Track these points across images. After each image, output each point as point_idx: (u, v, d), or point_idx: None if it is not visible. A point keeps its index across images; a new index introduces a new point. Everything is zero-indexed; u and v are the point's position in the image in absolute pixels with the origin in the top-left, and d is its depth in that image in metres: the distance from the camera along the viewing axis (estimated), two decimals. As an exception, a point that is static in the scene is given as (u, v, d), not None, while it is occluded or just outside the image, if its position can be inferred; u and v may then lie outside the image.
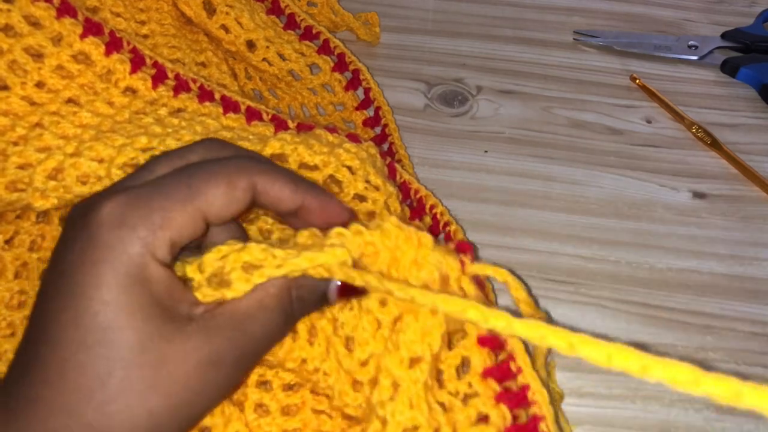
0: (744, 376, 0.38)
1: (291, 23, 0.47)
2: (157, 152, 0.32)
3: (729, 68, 0.53)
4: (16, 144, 0.32)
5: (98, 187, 0.32)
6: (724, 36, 0.55)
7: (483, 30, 0.55)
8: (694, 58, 0.54)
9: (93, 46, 0.35)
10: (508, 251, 0.42)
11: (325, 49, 0.46)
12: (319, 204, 0.29)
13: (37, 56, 0.34)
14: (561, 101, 0.51)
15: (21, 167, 0.32)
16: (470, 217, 0.43)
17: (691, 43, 0.54)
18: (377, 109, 0.46)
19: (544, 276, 0.41)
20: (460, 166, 0.46)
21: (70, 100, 0.34)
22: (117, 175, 0.32)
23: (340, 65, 0.46)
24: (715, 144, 0.48)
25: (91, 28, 0.36)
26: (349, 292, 0.28)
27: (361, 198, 0.34)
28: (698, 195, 0.46)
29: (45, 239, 0.36)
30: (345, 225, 0.27)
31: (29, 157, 0.32)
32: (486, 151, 0.47)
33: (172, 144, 0.32)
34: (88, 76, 0.35)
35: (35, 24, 0.34)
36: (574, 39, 0.55)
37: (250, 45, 0.44)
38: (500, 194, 0.45)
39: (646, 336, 0.39)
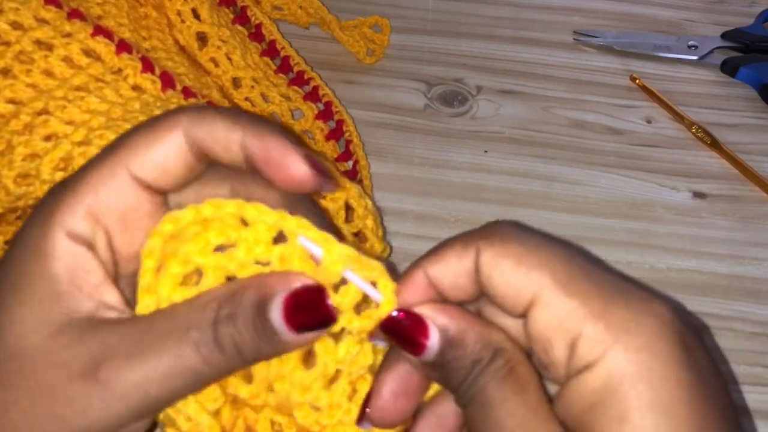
0: (744, 376, 0.39)
1: (284, 66, 0.48)
2: None
3: (729, 68, 0.53)
4: (21, 134, 0.31)
5: None
6: (724, 36, 0.55)
7: (483, 30, 0.55)
8: (694, 58, 0.54)
9: (103, 45, 0.35)
10: (509, 251, 0.42)
11: (313, 95, 0.47)
12: (262, 146, 0.23)
13: (46, 47, 0.34)
14: (561, 101, 0.50)
15: (28, 158, 0.31)
16: (470, 217, 0.43)
17: (691, 43, 0.54)
18: (355, 162, 0.45)
19: (545, 276, 0.41)
20: (460, 166, 0.46)
21: (78, 88, 0.34)
22: None
23: (326, 113, 0.46)
24: (715, 144, 0.48)
25: (102, 30, 0.36)
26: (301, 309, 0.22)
27: None
28: (698, 195, 0.46)
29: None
30: (309, 189, 0.23)
31: (36, 146, 0.31)
32: (486, 151, 0.47)
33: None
34: (98, 68, 0.35)
35: (44, 21, 0.34)
36: (574, 39, 0.55)
37: (236, 82, 0.45)
38: (500, 194, 0.45)
39: (646, 336, 0.39)
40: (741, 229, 0.44)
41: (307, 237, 0.23)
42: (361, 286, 0.23)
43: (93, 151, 0.31)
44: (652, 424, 0.19)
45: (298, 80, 0.47)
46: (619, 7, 0.58)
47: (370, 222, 0.37)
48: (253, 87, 0.45)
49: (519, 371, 0.22)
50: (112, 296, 0.23)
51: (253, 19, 0.48)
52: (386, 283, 0.23)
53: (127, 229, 0.23)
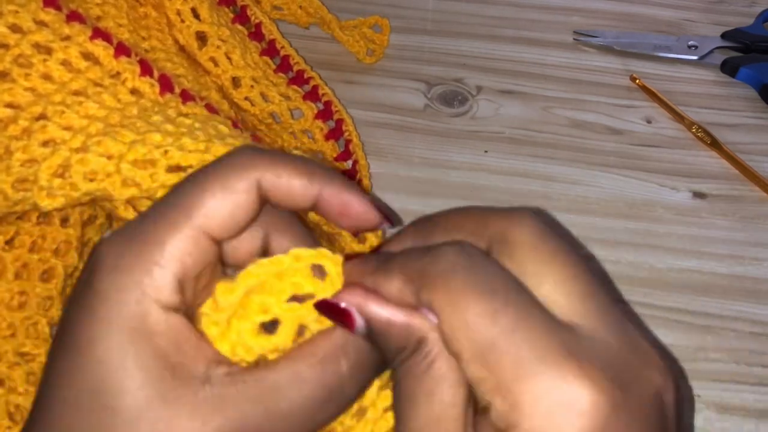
0: (744, 376, 0.39)
1: (284, 66, 0.47)
2: (171, 149, 0.31)
3: (729, 68, 0.53)
4: (19, 139, 0.31)
5: (106, 185, 0.31)
6: (724, 36, 0.55)
7: (483, 30, 0.55)
8: (694, 58, 0.54)
9: (101, 48, 0.35)
10: (509, 251, 0.42)
11: (312, 95, 0.46)
12: (339, 200, 0.24)
13: (45, 50, 0.34)
14: (561, 101, 0.51)
15: (26, 164, 0.31)
16: (470, 217, 0.43)
17: (691, 43, 0.54)
18: (354, 162, 0.45)
19: (544, 276, 0.41)
20: (460, 166, 0.46)
21: (76, 92, 0.33)
22: (127, 169, 0.31)
23: (325, 113, 0.46)
24: (715, 144, 0.48)
25: (100, 33, 0.36)
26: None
27: None
28: (698, 195, 0.46)
29: (45, 240, 0.36)
30: (372, 228, 0.25)
31: (33, 152, 0.31)
32: (486, 151, 0.47)
33: (187, 143, 0.31)
34: (96, 72, 0.35)
35: (43, 24, 0.34)
36: (574, 39, 0.55)
37: (236, 82, 0.44)
38: (500, 194, 0.45)
39: (646, 336, 0.39)
40: (741, 229, 0.44)
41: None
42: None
43: (90, 157, 0.31)
44: None
45: (298, 79, 0.47)
46: (619, 7, 0.58)
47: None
48: (252, 86, 0.45)
49: (435, 368, 0.21)
50: (209, 350, 0.22)
51: (252, 18, 0.48)
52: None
53: (198, 284, 0.23)
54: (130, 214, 0.32)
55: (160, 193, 0.30)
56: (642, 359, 0.21)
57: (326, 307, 0.23)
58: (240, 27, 0.47)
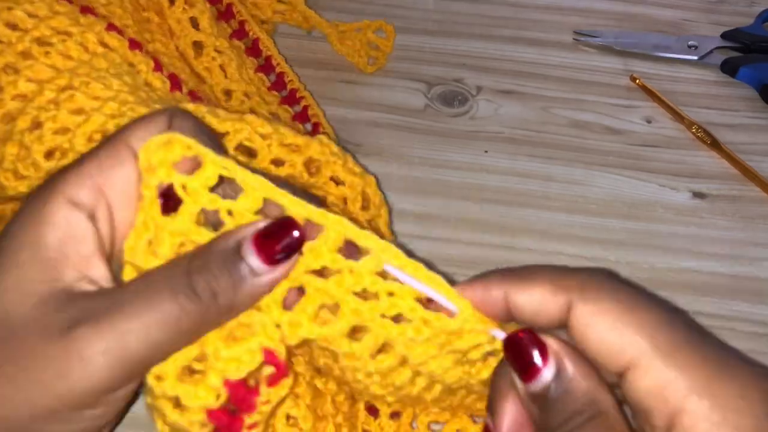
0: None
1: (279, 83, 0.47)
2: (207, 115, 0.32)
3: (729, 68, 0.53)
4: (47, 109, 0.31)
5: None
6: (724, 36, 0.55)
7: (483, 30, 0.55)
8: (694, 58, 0.54)
9: (116, 39, 0.35)
10: (509, 251, 0.42)
11: (302, 116, 0.46)
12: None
13: (64, 33, 0.34)
14: (561, 101, 0.50)
15: (58, 132, 0.31)
16: (471, 217, 0.43)
17: (691, 43, 0.54)
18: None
19: (544, 276, 0.41)
20: (460, 166, 0.46)
21: (98, 69, 0.34)
22: None
23: (312, 134, 0.46)
24: (715, 144, 0.48)
25: (114, 27, 0.36)
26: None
27: (278, 162, 0.34)
28: (698, 195, 0.46)
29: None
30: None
31: (65, 120, 0.31)
32: (486, 151, 0.47)
33: (212, 122, 0.32)
34: (114, 58, 0.35)
35: (59, 13, 0.35)
36: (574, 39, 0.55)
37: (227, 94, 0.44)
38: (500, 194, 0.45)
39: (646, 336, 0.39)
40: (741, 229, 0.44)
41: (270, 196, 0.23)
42: (441, 300, 0.24)
43: (126, 122, 0.31)
44: None
45: (290, 98, 0.47)
46: (619, 7, 0.58)
47: (384, 212, 0.37)
48: (243, 101, 0.44)
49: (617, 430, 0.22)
50: (98, 270, 0.23)
51: (251, 33, 0.48)
52: (461, 300, 0.24)
53: (129, 207, 0.24)
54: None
55: None
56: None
57: (521, 342, 0.23)
58: (238, 42, 0.47)
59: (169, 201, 0.23)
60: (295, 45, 0.51)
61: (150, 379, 0.23)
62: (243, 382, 0.23)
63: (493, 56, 0.53)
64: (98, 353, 0.21)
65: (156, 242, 0.23)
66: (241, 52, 0.47)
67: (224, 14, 0.48)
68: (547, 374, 0.22)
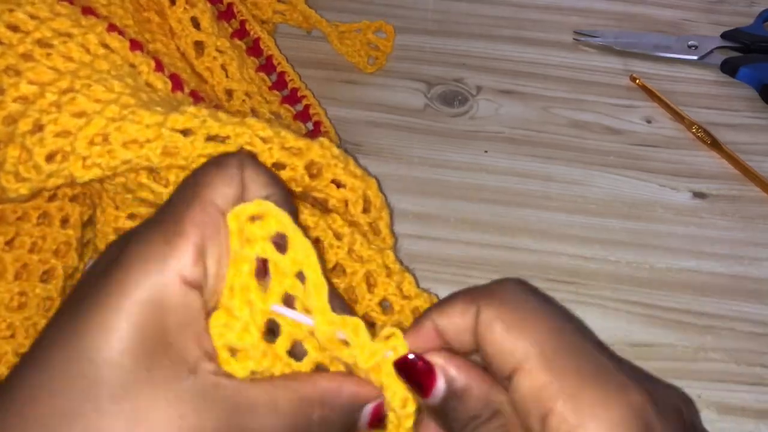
0: (744, 376, 0.39)
1: (280, 83, 0.47)
2: (209, 120, 0.32)
3: (729, 68, 0.53)
4: (49, 112, 0.31)
5: (146, 151, 0.31)
6: (724, 36, 0.55)
7: (483, 30, 0.55)
8: (694, 58, 0.54)
9: (117, 41, 0.35)
10: (508, 251, 0.42)
11: (303, 115, 0.46)
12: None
13: (65, 34, 0.34)
14: (561, 101, 0.50)
15: (59, 135, 0.31)
16: (470, 217, 0.43)
17: (691, 43, 0.54)
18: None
19: (544, 276, 0.41)
20: (460, 166, 0.46)
21: (99, 71, 0.34)
22: (169, 135, 0.31)
23: (313, 134, 0.46)
24: (715, 144, 0.48)
25: (116, 28, 0.36)
26: (381, 420, 0.24)
27: (279, 166, 0.34)
28: (698, 195, 0.46)
29: (46, 241, 0.36)
30: None
31: (66, 123, 0.31)
32: (486, 151, 0.47)
33: (213, 125, 0.32)
34: (116, 59, 0.35)
35: (60, 14, 0.35)
36: (574, 39, 0.55)
37: (229, 94, 0.44)
38: (500, 194, 0.45)
39: (646, 336, 0.39)
40: (741, 229, 0.44)
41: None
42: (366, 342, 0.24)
43: (128, 125, 0.31)
44: None
45: (291, 98, 0.47)
46: (619, 7, 0.58)
47: (385, 215, 0.37)
48: (244, 101, 0.44)
49: None
50: (209, 342, 0.22)
51: (251, 33, 0.48)
52: (396, 334, 0.24)
53: (220, 271, 0.23)
54: (153, 185, 0.32)
55: (196, 164, 0.31)
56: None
57: (408, 365, 0.24)
58: (238, 42, 0.47)
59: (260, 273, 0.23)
60: (295, 45, 0.51)
61: None
62: None
63: (493, 56, 0.53)
64: None
65: (250, 325, 0.23)
66: (242, 52, 0.47)
67: (225, 14, 0.48)
68: (439, 388, 0.23)
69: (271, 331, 0.24)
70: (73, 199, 0.37)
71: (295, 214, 0.25)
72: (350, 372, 0.24)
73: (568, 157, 0.47)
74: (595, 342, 0.24)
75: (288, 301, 0.24)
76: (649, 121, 0.50)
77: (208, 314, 0.22)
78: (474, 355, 0.25)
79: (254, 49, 0.48)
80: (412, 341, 0.24)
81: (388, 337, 0.24)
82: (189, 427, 0.20)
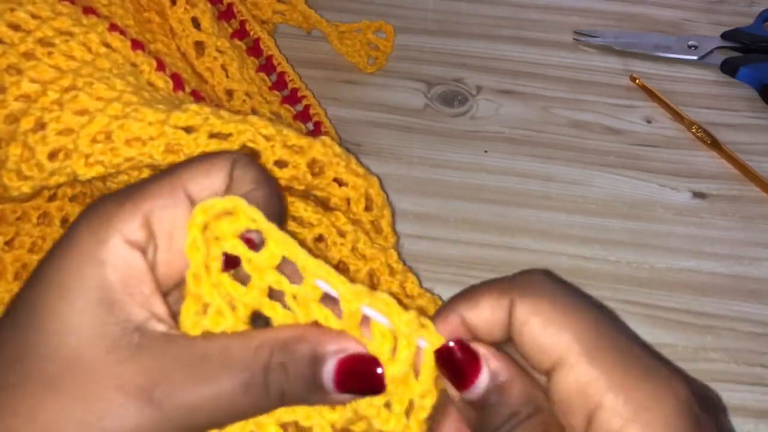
0: (744, 376, 0.39)
1: (280, 83, 0.47)
2: (211, 117, 0.32)
3: (729, 68, 0.53)
4: (51, 110, 0.31)
5: (149, 149, 0.31)
6: (724, 36, 0.55)
7: (483, 30, 0.55)
8: (694, 58, 0.54)
9: (119, 40, 0.35)
10: (508, 251, 0.42)
11: (304, 115, 0.46)
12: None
13: (66, 33, 0.34)
14: (561, 101, 0.50)
15: (62, 133, 0.31)
16: (470, 217, 0.43)
17: (691, 43, 0.54)
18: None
19: (544, 276, 0.41)
20: (460, 166, 0.46)
21: (101, 69, 0.34)
22: (172, 132, 0.31)
23: (314, 134, 0.46)
24: (715, 144, 0.48)
25: (117, 27, 0.36)
26: (351, 376, 0.23)
27: (282, 164, 0.34)
28: (698, 195, 0.46)
29: (45, 241, 0.36)
30: None
31: (69, 121, 0.31)
32: (486, 151, 0.47)
33: (216, 123, 0.32)
34: (117, 58, 0.35)
35: (62, 14, 0.35)
36: (574, 39, 0.55)
37: (229, 94, 0.44)
38: (500, 194, 0.45)
39: (646, 336, 0.39)
40: (741, 229, 0.44)
41: (326, 282, 0.23)
42: (385, 323, 0.23)
43: (131, 123, 0.31)
44: None
45: (291, 98, 0.47)
46: (619, 7, 0.58)
47: (387, 213, 0.37)
48: (245, 101, 0.44)
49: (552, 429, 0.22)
50: (160, 308, 0.23)
51: (251, 33, 0.48)
52: (424, 321, 0.24)
53: (171, 247, 0.24)
54: None
55: None
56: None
57: (452, 353, 0.23)
58: (238, 42, 0.47)
59: (229, 265, 0.23)
60: (295, 45, 0.51)
61: None
62: None
63: (493, 56, 0.53)
64: (168, 419, 0.21)
65: (224, 308, 0.23)
66: (242, 52, 0.47)
67: (225, 14, 0.48)
68: (483, 380, 0.23)
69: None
70: (73, 199, 0.37)
71: (282, 214, 0.25)
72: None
73: (568, 157, 0.47)
74: (632, 335, 0.23)
75: (274, 296, 0.24)
76: (649, 121, 0.50)
77: (156, 282, 0.23)
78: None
79: (254, 49, 0.48)
80: (439, 332, 0.24)
81: (422, 326, 0.23)
82: (131, 377, 0.21)
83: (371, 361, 0.23)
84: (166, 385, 0.21)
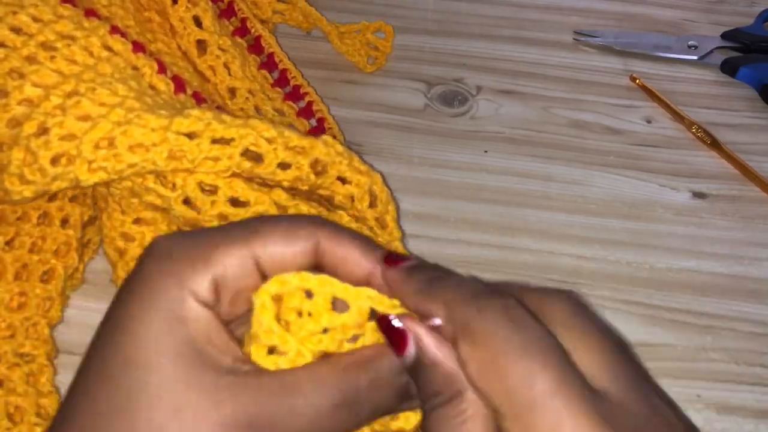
0: (744, 376, 0.39)
1: (282, 80, 0.47)
2: (213, 123, 0.32)
3: (729, 68, 0.53)
4: (54, 115, 0.32)
5: (152, 155, 0.31)
6: (724, 36, 0.55)
7: (483, 30, 0.55)
8: (694, 58, 0.54)
9: (120, 43, 0.36)
10: (508, 251, 0.42)
11: (307, 111, 0.46)
12: (395, 280, 0.25)
13: (68, 37, 0.34)
14: (561, 101, 0.51)
15: (65, 138, 0.31)
16: (470, 217, 0.43)
17: (691, 43, 0.54)
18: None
19: (544, 276, 0.41)
20: (460, 166, 0.46)
21: (103, 74, 0.34)
22: (175, 138, 0.31)
23: (317, 130, 0.46)
24: (715, 144, 0.48)
25: (118, 30, 0.36)
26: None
27: (285, 165, 0.34)
28: (698, 195, 0.46)
29: (45, 241, 0.36)
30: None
31: (71, 126, 0.31)
32: (486, 151, 0.47)
33: (218, 128, 0.32)
34: (119, 62, 0.35)
35: (63, 17, 0.35)
36: (574, 39, 0.55)
37: (232, 92, 0.44)
38: (500, 194, 0.45)
39: (646, 336, 0.39)
40: (741, 229, 0.44)
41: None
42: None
43: (134, 129, 0.31)
44: None
45: (294, 95, 0.47)
46: (619, 7, 0.58)
47: (392, 209, 0.37)
48: (248, 98, 0.44)
49: (467, 427, 0.23)
50: (239, 352, 0.24)
51: (252, 30, 0.48)
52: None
53: (233, 305, 0.24)
54: (160, 189, 0.33)
55: (203, 168, 0.32)
56: (668, 428, 0.22)
57: (386, 323, 0.24)
58: (240, 40, 0.47)
59: None
60: (294, 45, 0.51)
61: None
62: None
63: (493, 56, 0.53)
64: None
65: (303, 350, 0.24)
66: (243, 50, 0.47)
67: (225, 12, 0.48)
68: (410, 350, 0.23)
69: None
70: (73, 199, 0.37)
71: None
72: None
73: (568, 157, 0.47)
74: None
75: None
76: (649, 121, 0.50)
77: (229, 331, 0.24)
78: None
79: (255, 46, 0.48)
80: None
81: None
82: (229, 414, 0.22)
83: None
84: (263, 414, 0.22)
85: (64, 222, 0.37)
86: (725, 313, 0.40)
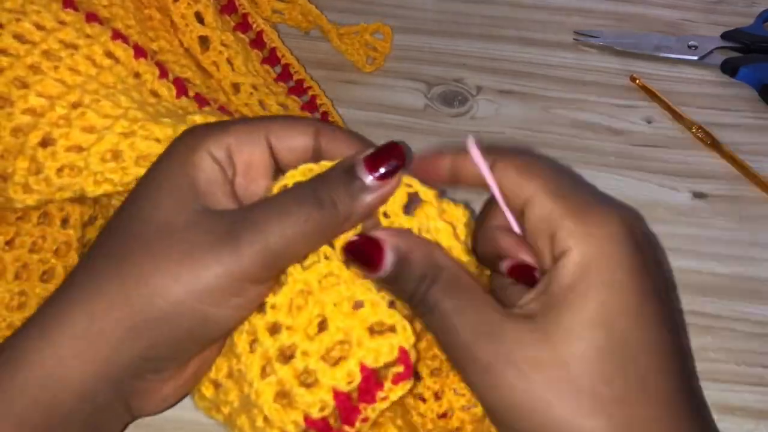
0: (744, 376, 0.39)
1: (284, 74, 0.47)
2: None
3: (729, 68, 0.53)
4: (60, 126, 0.32)
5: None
6: (724, 36, 0.55)
7: (483, 30, 0.55)
8: (694, 58, 0.54)
9: (122, 49, 0.36)
10: (509, 251, 0.42)
11: (310, 105, 0.46)
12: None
13: (71, 46, 0.34)
14: (561, 101, 0.51)
15: (71, 149, 0.32)
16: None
17: (691, 43, 0.54)
18: None
19: (545, 276, 0.41)
20: (460, 167, 0.46)
21: (106, 85, 0.34)
22: None
23: None
24: (715, 144, 0.48)
25: (120, 35, 0.36)
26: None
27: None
28: (698, 195, 0.46)
29: (46, 241, 0.36)
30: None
31: (77, 138, 0.32)
32: (486, 152, 0.47)
33: None
34: (120, 70, 0.35)
35: (65, 24, 0.35)
36: (574, 39, 0.55)
37: (236, 87, 0.45)
38: (500, 194, 0.45)
39: (646, 336, 0.39)
40: (741, 229, 0.44)
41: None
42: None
43: (140, 142, 0.32)
44: (604, 297, 0.25)
45: (297, 89, 0.47)
46: (619, 7, 0.58)
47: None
48: (251, 93, 0.44)
49: (462, 281, 0.27)
50: (234, 206, 0.28)
51: (254, 26, 0.48)
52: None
53: (247, 175, 0.29)
54: None
55: None
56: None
57: (355, 247, 0.28)
58: (241, 35, 0.47)
59: None
60: (294, 45, 0.51)
61: (298, 355, 0.26)
62: (375, 372, 0.26)
63: (493, 56, 0.53)
64: (248, 245, 0.26)
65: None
66: (245, 45, 0.47)
67: (226, 7, 0.48)
68: (389, 260, 0.27)
69: None
70: (73, 199, 0.37)
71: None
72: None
73: (569, 158, 0.47)
74: (588, 184, 0.30)
75: None
76: (649, 121, 0.50)
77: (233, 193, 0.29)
78: None
79: (257, 41, 0.48)
80: (422, 170, 0.30)
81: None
82: (220, 227, 0.26)
83: (392, 147, 0.28)
84: (248, 222, 0.26)
85: (64, 222, 0.37)
86: (725, 313, 0.40)
